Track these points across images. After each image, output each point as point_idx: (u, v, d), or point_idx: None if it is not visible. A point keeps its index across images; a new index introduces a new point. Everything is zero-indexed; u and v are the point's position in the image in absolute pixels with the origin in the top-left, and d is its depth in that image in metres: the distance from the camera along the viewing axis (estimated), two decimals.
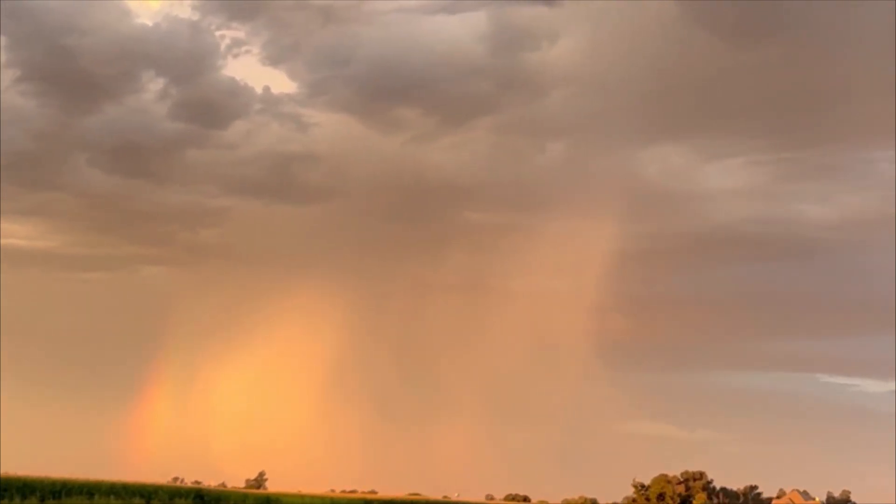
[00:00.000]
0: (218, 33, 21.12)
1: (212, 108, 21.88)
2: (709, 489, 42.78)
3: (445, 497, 39.47)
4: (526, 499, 45.44)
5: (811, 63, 23.29)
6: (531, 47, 21.94)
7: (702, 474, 42.60)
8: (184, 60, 21.81)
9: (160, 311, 34.34)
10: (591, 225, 24.87)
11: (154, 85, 21.35)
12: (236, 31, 21.38)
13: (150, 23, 21.63)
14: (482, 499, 44.70)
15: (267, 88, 22.02)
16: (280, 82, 24.17)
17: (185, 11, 21.35)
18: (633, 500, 41.50)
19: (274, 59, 22.35)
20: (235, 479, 35.32)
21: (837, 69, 22.90)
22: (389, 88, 22.14)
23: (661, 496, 39.53)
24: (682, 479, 41.48)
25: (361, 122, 23.20)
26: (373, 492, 40.03)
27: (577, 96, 23.07)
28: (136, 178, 23.89)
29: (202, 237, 28.03)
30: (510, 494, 45.65)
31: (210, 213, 25.75)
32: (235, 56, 21.68)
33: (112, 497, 18.58)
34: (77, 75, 22.33)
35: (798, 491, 44.77)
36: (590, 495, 45.47)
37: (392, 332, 33.44)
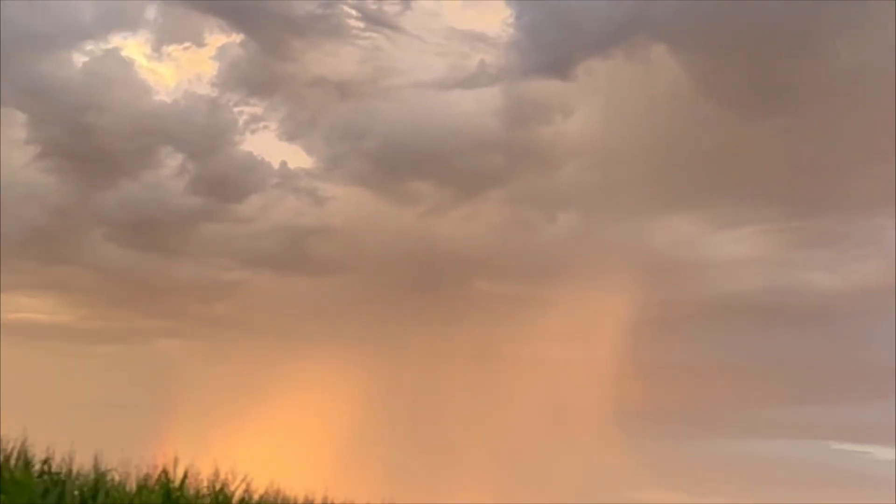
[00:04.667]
0: (236, 109, 21.68)
1: (229, 182, 22.28)
2: None
3: None
4: None
5: (819, 132, 23.84)
6: (545, 121, 22.47)
7: None
8: (202, 136, 22.30)
9: (172, 382, 34.52)
10: (602, 294, 25.18)
11: (172, 160, 21.81)
12: (254, 108, 22.00)
13: (168, 100, 22.21)
14: None
15: (284, 163, 22.52)
16: (297, 157, 24.68)
17: (204, 88, 21.92)
18: None
19: (291, 134, 22.93)
20: None
21: (845, 138, 23.41)
22: (404, 162, 22.60)
23: None
24: None
25: (376, 195, 23.61)
26: None
27: (589, 168, 23.57)
28: (152, 252, 24.33)
29: (216, 309, 28.34)
30: None
31: (224, 285, 26.12)
32: (253, 132, 22.24)
33: None
34: (96, 152, 22.79)
35: None
36: None
37: (405, 401, 33.58)
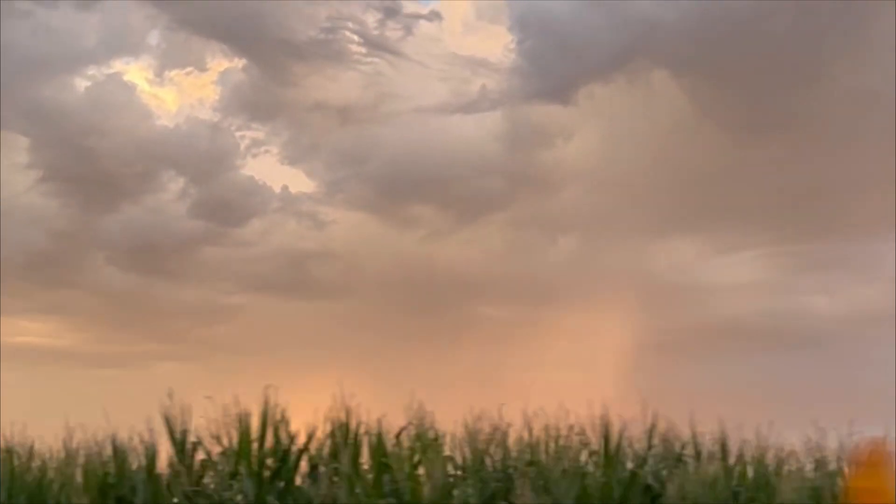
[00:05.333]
0: (238, 134, 21.68)
1: (230, 206, 22.29)
2: None
3: None
4: None
5: (818, 157, 23.88)
6: (546, 145, 22.53)
7: None
8: (203, 160, 22.33)
9: (172, 405, 34.34)
10: (603, 318, 25.18)
11: (174, 184, 21.81)
12: (256, 132, 21.99)
13: (170, 124, 22.24)
14: None
15: (285, 187, 22.50)
16: (298, 181, 24.64)
17: (206, 113, 21.95)
18: None
19: (292, 158, 22.93)
20: None
21: (844, 162, 23.49)
22: (405, 186, 22.62)
23: None
24: None
25: (377, 219, 23.64)
26: None
27: (590, 192, 23.62)
28: (153, 275, 24.31)
29: (216, 332, 28.31)
30: None
31: (225, 309, 26.10)
32: (255, 156, 22.23)
33: None
34: (98, 176, 22.83)
35: None
36: None
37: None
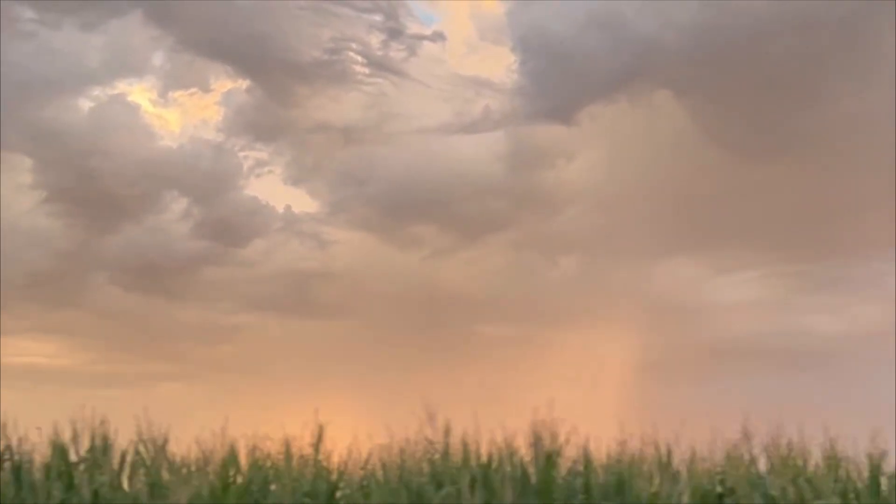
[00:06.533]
0: (241, 154, 21.72)
1: (233, 226, 22.34)
2: None
3: None
4: None
5: (821, 177, 23.99)
6: (547, 165, 22.61)
7: None
8: (207, 181, 22.40)
9: (171, 424, 34.26)
10: (604, 337, 25.20)
11: (177, 205, 21.89)
12: (259, 152, 22.03)
13: (174, 145, 22.29)
14: None
15: (288, 207, 22.58)
16: (301, 201, 24.69)
17: (210, 133, 21.99)
18: None
19: (295, 178, 23.00)
20: None
21: (847, 182, 23.57)
22: (408, 206, 22.70)
23: None
24: None
25: (380, 239, 23.70)
26: None
27: (591, 212, 23.69)
28: (156, 295, 24.35)
29: (218, 353, 28.33)
30: None
31: (228, 329, 26.14)
32: (258, 176, 22.27)
33: None
34: (101, 196, 22.91)
35: None
36: None
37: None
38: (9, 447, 10.33)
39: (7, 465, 10.26)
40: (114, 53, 22.32)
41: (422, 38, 22.14)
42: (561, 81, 22.08)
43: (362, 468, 10.72)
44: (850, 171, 22.82)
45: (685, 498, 10.30)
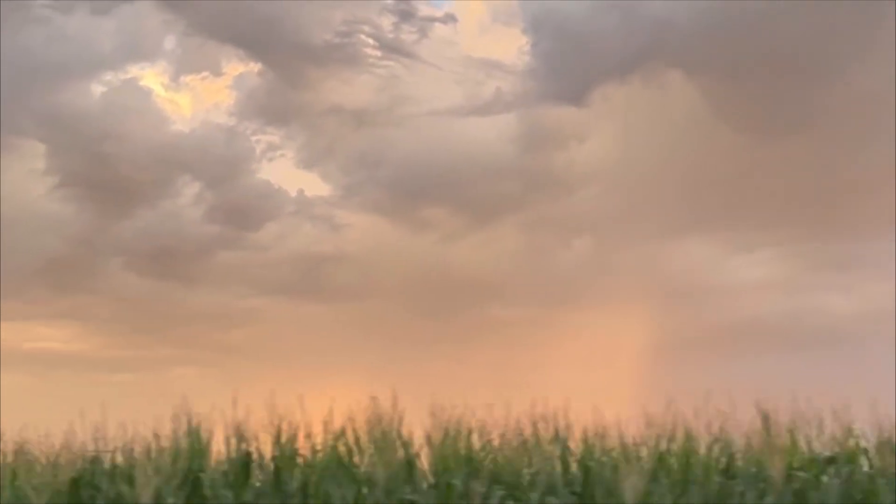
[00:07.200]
0: (253, 138, 21.69)
1: (246, 211, 22.30)
2: None
3: None
4: None
5: (833, 156, 23.87)
6: (560, 147, 22.51)
7: None
8: (219, 165, 22.37)
9: (184, 409, 34.31)
10: (618, 319, 25.13)
11: (189, 189, 21.86)
12: (271, 136, 21.95)
13: (186, 129, 22.24)
14: None
15: (300, 191, 22.53)
16: (313, 185, 24.58)
17: (222, 117, 21.90)
18: None
19: (308, 162, 22.95)
20: None
21: (859, 161, 23.44)
22: (420, 189, 22.64)
23: None
24: None
25: (392, 222, 23.61)
26: None
27: (604, 193, 23.58)
28: (169, 280, 24.33)
29: (232, 337, 28.34)
30: None
31: (241, 313, 26.12)
32: (270, 160, 22.19)
33: None
34: (114, 181, 22.90)
35: None
36: None
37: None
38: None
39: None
40: (125, 38, 22.31)
41: (433, 20, 22.09)
42: (573, 63, 22.01)
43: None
44: (865, 148, 22.73)
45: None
